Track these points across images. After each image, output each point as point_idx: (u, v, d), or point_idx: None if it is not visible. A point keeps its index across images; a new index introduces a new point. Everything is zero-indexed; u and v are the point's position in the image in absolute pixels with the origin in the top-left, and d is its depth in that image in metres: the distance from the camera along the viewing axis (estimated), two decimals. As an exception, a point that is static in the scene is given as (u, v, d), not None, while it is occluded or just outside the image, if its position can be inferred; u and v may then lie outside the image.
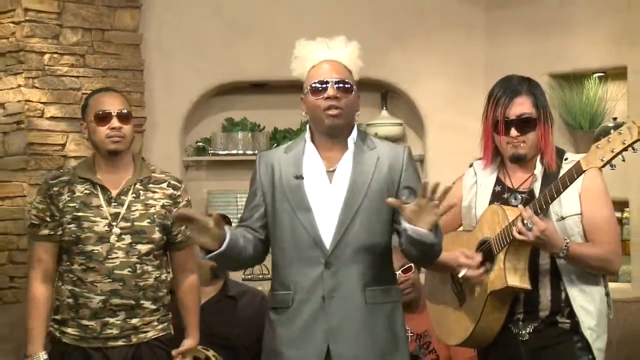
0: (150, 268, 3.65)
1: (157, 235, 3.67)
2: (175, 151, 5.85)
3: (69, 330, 3.62)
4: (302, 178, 3.16)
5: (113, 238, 3.59)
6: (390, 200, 2.96)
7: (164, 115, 5.77)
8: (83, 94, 5.34)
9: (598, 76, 5.59)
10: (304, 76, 3.20)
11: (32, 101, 5.21)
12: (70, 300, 3.61)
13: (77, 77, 5.39)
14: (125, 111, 3.66)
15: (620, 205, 5.21)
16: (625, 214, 5.26)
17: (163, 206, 3.69)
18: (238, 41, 5.73)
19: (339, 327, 3.11)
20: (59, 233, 3.63)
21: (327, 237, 3.13)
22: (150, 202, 3.68)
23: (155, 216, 3.66)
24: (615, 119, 5.42)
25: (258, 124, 5.96)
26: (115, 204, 3.63)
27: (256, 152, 5.78)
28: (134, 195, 3.65)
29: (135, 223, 3.62)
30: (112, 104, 3.65)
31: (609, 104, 5.56)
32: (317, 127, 3.20)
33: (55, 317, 3.66)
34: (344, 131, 3.19)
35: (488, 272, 3.24)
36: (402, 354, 3.20)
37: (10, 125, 5.24)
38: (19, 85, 5.21)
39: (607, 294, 3.32)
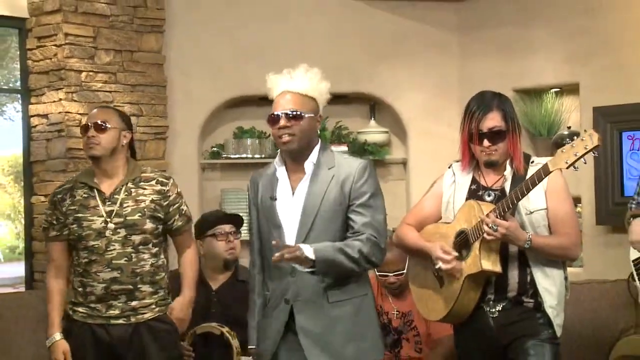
0: (146, 256, 3.65)
1: (148, 226, 3.64)
2: (193, 155, 5.82)
3: (79, 309, 3.64)
4: (276, 199, 3.19)
5: (108, 232, 3.59)
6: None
7: (184, 124, 5.74)
8: (115, 106, 5.32)
9: (555, 91, 5.61)
10: None
11: (71, 112, 5.19)
12: (80, 289, 3.65)
13: (110, 92, 5.37)
14: (100, 122, 3.65)
15: (574, 201, 5.20)
16: (578, 209, 5.26)
17: (152, 201, 3.66)
18: (247, 61, 5.72)
19: (305, 324, 3.13)
20: (65, 233, 3.66)
21: None
22: (141, 197, 3.66)
23: (145, 210, 3.64)
24: (569, 127, 5.44)
25: (264, 132, 5.93)
26: (110, 202, 3.63)
27: (263, 156, 5.82)
28: (125, 193, 3.64)
29: (128, 217, 3.61)
30: (92, 117, 3.69)
31: (564, 115, 5.57)
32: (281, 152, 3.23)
33: (72, 299, 3.69)
34: (304, 153, 3.18)
35: (465, 259, 3.25)
36: (370, 337, 3.20)
37: (53, 133, 5.22)
38: (60, 99, 5.19)
39: (566, 278, 3.35)
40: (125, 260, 3.59)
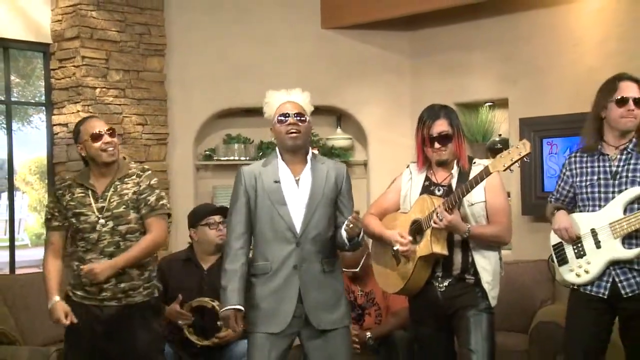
0: (133, 243, 3.48)
1: (132, 216, 3.50)
2: (190, 157, 5.78)
3: (77, 292, 3.51)
4: (279, 182, 3.20)
5: (99, 226, 3.45)
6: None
7: (182, 131, 5.70)
8: (124, 117, 5.29)
9: (488, 105, 5.63)
10: (271, 116, 3.24)
11: (87, 122, 5.14)
12: (76, 272, 3.50)
13: (119, 104, 5.33)
14: (111, 128, 3.54)
15: (504, 195, 5.25)
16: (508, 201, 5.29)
17: (134, 192, 3.51)
18: (235, 79, 5.71)
19: (308, 287, 3.16)
20: (65, 224, 3.52)
21: (298, 224, 3.17)
22: (124, 192, 3.51)
23: (129, 202, 3.49)
24: (500, 135, 5.48)
25: (249, 138, 5.92)
26: (101, 200, 3.49)
27: (248, 158, 5.78)
28: (113, 190, 3.50)
29: (114, 211, 3.48)
30: (101, 125, 3.52)
31: (496, 125, 5.60)
32: (283, 147, 3.24)
33: (71, 282, 3.56)
34: (302, 150, 3.23)
35: (418, 242, 3.26)
36: (343, 303, 3.27)
37: (72, 139, 5.04)
38: (78, 111, 5.14)
39: (500, 259, 3.37)
40: (114, 248, 3.46)
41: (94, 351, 3.49)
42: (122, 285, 3.47)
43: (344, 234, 3.11)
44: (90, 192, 3.51)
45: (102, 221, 3.46)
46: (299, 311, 3.15)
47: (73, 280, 3.56)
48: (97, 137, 3.48)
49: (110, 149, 3.49)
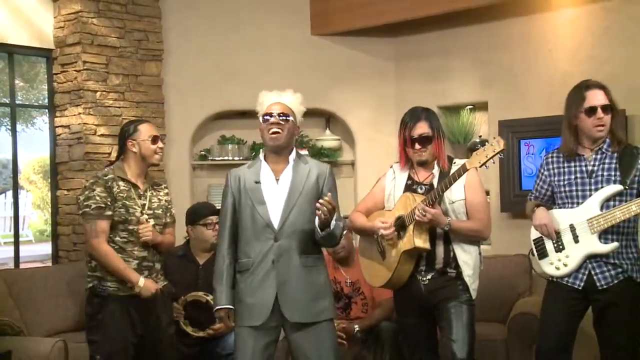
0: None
1: (164, 219, 3.67)
2: (186, 157, 5.76)
3: (109, 284, 3.50)
4: (260, 183, 3.21)
5: (143, 220, 3.57)
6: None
7: (178, 133, 5.69)
8: (123, 119, 5.27)
9: (469, 108, 5.63)
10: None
11: (88, 124, 5.13)
12: None
13: (119, 107, 5.31)
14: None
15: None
16: (487, 199, 5.31)
17: (166, 200, 3.71)
18: (229, 83, 5.70)
19: (284, 281, 3.15)
20: (114, 213, 3.52)
21: (275, 221, 3.16)
22: (160, 197, 3.69)
23: (163, 207, 3.68)
24: (480, 136, 5.49)
25: (243, 139, 5.91)
26: (143, 197, 3.60)
27: (241, 158, 5.76)
28: (151, 192, 3.64)
29: (156, 211, 3.62)
30: (155, 130, 3.69)
31: (476, 127, 5.60)
32: (266, 146, 3.26)
33: (97, 274, 3.53)
34: (285, 150, 3.22)
35: (401, 238, 3.26)
36: (328, 298, 3.26)
37: (73, 140, 5.16)
38: (79, 113, 5.13)
39: (480, 253, 3.39)
40: (151, 244, 3.58)
41: (131, 339, 3.52)
42: (152, 276, 3.58)
43: (317, 221, 3.09)
44: (132, 187, 3.59)
45: (145, 216, 3.57)
46: (278, 304, 3.15)
47: (99, 271, 3.52)
48: (156, 139, 3.64)
49: (161, 153, 3.68)
